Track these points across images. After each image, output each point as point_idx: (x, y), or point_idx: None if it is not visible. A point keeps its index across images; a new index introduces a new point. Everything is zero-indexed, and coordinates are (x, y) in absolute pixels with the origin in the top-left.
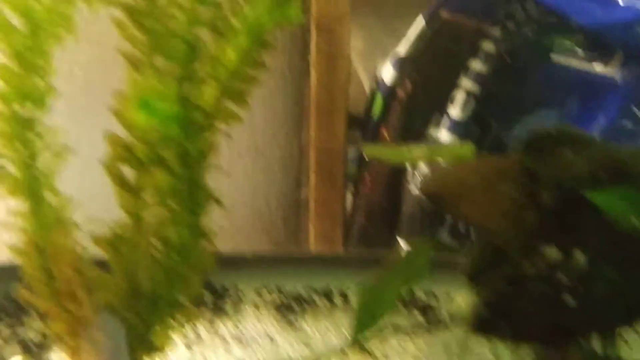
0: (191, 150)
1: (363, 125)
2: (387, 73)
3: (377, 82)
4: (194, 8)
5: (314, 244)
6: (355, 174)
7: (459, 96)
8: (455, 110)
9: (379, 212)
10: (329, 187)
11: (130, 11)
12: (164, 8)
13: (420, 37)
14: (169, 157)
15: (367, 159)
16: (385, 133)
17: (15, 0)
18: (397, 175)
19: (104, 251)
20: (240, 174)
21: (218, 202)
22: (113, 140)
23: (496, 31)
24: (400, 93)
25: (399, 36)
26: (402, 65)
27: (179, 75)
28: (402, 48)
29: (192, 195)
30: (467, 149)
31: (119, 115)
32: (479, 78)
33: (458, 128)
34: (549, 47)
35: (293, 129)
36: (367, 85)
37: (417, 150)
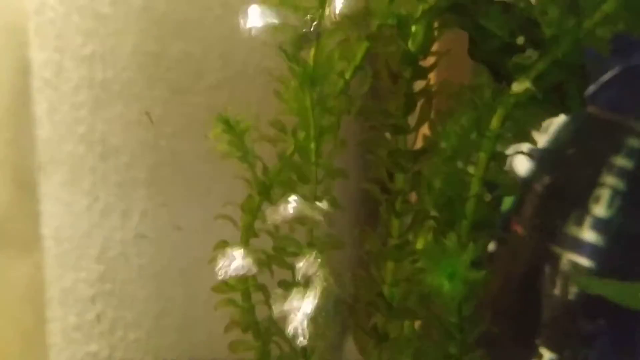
0: None
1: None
2: (522, 165)
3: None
4: None
5: None
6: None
7: (604, 193)
8: (599, 209)
9: (510, 313)
10: None
11: None
12: None
13: (563, 131)
14: None
15: (495, 252)
16: (517, 228)
17: None
18: (532, 274)
19: None
20: None
21: None
22: None
23: None
24: (537, 187)
25: None
26: (540, 158)
27: None
28: (541, 140)
29: None
30: None
31: None
32: (623, 174)
33: (603, 226)
34: None
35: None
36: None
37: None
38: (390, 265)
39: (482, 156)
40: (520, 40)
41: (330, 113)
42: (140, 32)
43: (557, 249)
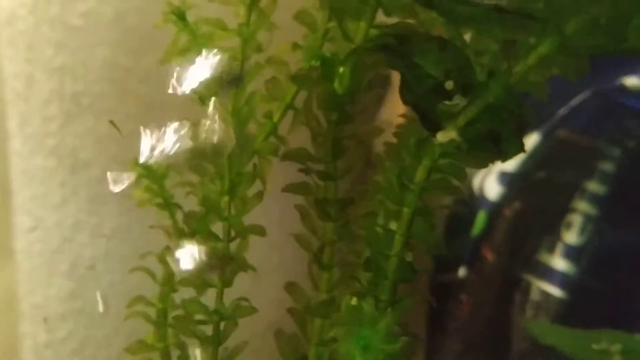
0: None
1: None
2: (492, 189)
3: (479, 197)
4: None
5: None
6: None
7: (576, 219)
8: (571, 235)
9: (480, 342)
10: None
11: None
12: None
13: (533, 154)
14: None
15: (465, 279)
16: (488, 254)
17: None
18: (503, 302)
19: None
20: None
21: None
22: None
23: (615, 151)
24: (507, 212)
25: None
26: (510, 182)
27: None
28: (511, 164)
29: None
30: None
31: None
32: (596, 200)
33: (575, 254)
34: None
35: None
36: None
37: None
38: (317, 322)
39: (406, 211)
40: (449, 85)
41: (250, 159)
42: (111, 45)
43: (528, 277)
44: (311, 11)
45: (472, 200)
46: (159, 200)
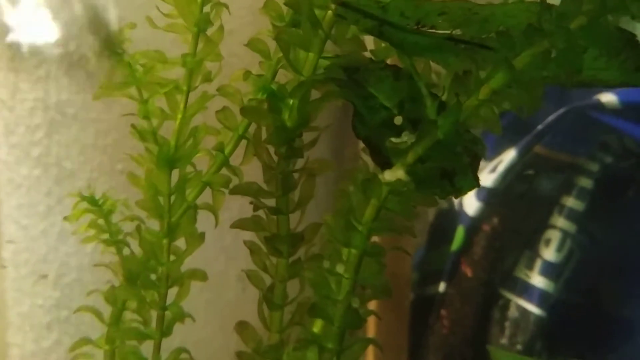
0: None
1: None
2: (471, 204)
3: (458, 212)
4: None
5: None
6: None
7: (554, 236)
8: (549, 252)
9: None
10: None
11: None
12: None
13: (511, 170)
14: None
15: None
16: (467, 269)
17: None
18: (482, 319)
19: None
20: None
21: None
22: None
23: (593, 166)
24: (486, 227)
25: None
26: (489, 197)
27: None
28: (489, 179)
29: None
30: None
31: None
32: (574, 216)
33: (554, 272)
34: None
35: None
36: None
37: None
38: None
39: (353, 253)
40: (398, 120)
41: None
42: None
43: (506, 294)
44: (265, 39)
45: (453, 214)
46: (106, 236)
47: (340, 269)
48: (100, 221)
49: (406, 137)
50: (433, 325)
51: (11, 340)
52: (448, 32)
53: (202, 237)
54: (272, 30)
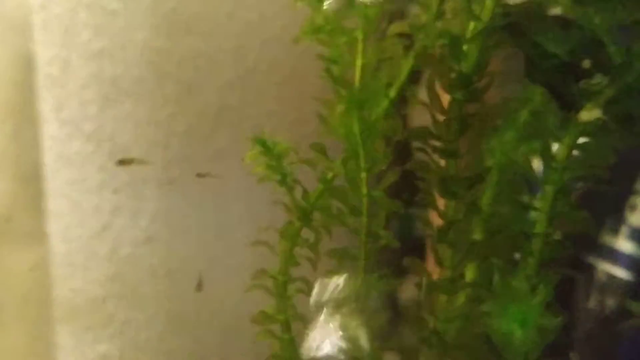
0: None
1: None
2: None
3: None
4: None
5: None
6: None
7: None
8: (636, 217)
9: None
10: None
11: None
12: None
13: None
14: None
15: None
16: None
17: None
18: (564, 288)
19: None
20: None
21: None
22: None
23: None
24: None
25: None
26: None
27: None
28: None
29: None
30: None
31: None
32: None
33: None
34: None
35: None
36: None
37: None
38: (442, 299)
39: (548, 189)
40: (586, 63)
41: (379, 138)
42: (149, 28)
43: (592, 259)
44: None
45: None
46: (278, 176)
47: (536, 203)
48: (273, 163)
49: (600, 79)
50: None
51: (60, 315)
52: None
53: (396, 173)
54: None
